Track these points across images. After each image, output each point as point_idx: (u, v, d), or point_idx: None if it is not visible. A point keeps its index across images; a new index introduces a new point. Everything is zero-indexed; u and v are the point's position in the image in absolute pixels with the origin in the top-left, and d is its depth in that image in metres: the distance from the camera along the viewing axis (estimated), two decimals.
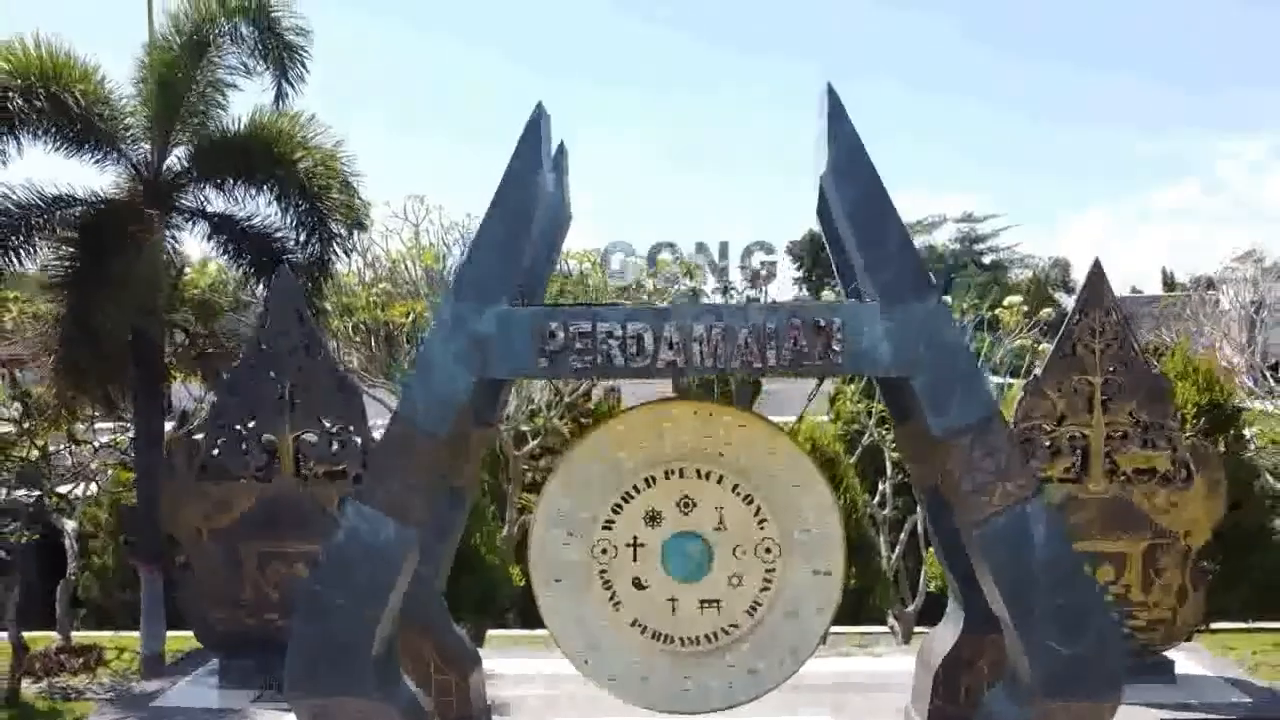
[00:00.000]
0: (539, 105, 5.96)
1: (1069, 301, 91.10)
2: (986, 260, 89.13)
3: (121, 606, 17.11)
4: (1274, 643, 14.14)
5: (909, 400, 6.04)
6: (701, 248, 6.19)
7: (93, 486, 15.21)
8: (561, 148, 7.01)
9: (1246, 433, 13.11)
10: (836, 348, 5.72)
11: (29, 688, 12.57)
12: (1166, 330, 19.71)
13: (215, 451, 8.89)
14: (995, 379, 17.89)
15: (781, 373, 5.88)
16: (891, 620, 15.02)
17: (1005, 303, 15.96)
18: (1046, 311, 16.50)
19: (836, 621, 13.12)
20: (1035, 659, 5.88)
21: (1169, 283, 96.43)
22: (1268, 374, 17.33)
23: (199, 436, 16.38)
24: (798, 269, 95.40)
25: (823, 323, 5.75)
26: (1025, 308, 16.47)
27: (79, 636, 14.84)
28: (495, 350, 5.90)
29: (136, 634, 15.02)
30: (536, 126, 5.90)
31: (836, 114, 5.74)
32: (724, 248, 6.19)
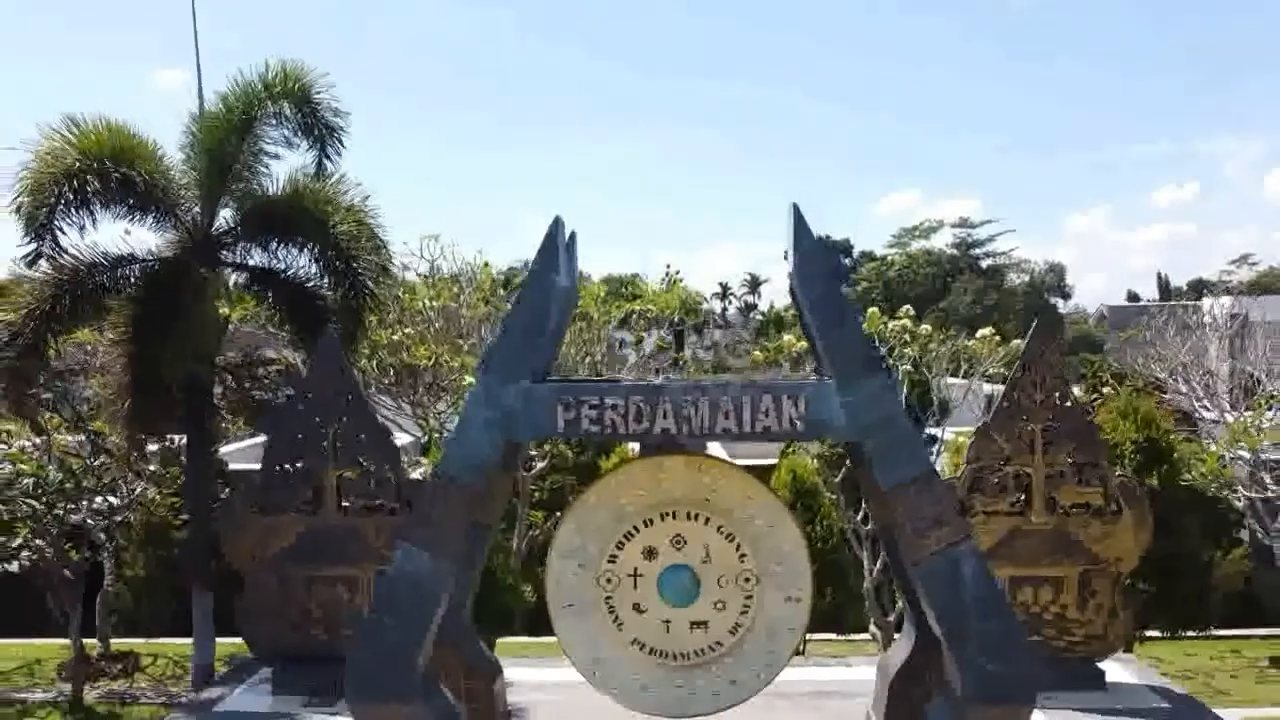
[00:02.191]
0: (556, 218, 7.23)
1: (1063, 305, 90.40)
2: (984, 265, 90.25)
3: (150, 614, 18.36)
4: (1232, 649, 15.41)
5: (863, 459, 7.29)
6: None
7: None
8: (573, 236, 8.26)
9: (1220, 449, 14.30)
10: (800, 420, 6.96)
11: (57, 695, 13.76)
12: (1133, 354, 20.86)
13: (268, 488, 10.12)
14: (989, 387, 19.21)
15: (757, 439, 7.11)
16: (873, 629, 16.28)
17: (978, 335, 17.26)
18: (1017, 343, 17.74)
19: (821, 632, 14.35)
20: (966, 673, 7.11)
21: (1164, 287, 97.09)
22: (1224, 397, 18.51)
23: (222, 452, 17.67)
24: None
25: (790, 397, 7.00)
26: (997, 338, 17.78)
27: (115, 643, 16.06)
28: (520, 418, 7.14)
29: (168, 641, 16.28)
30: (554, 237, 7.16)
31: (800, 229, 6.99)
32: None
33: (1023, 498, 9.89)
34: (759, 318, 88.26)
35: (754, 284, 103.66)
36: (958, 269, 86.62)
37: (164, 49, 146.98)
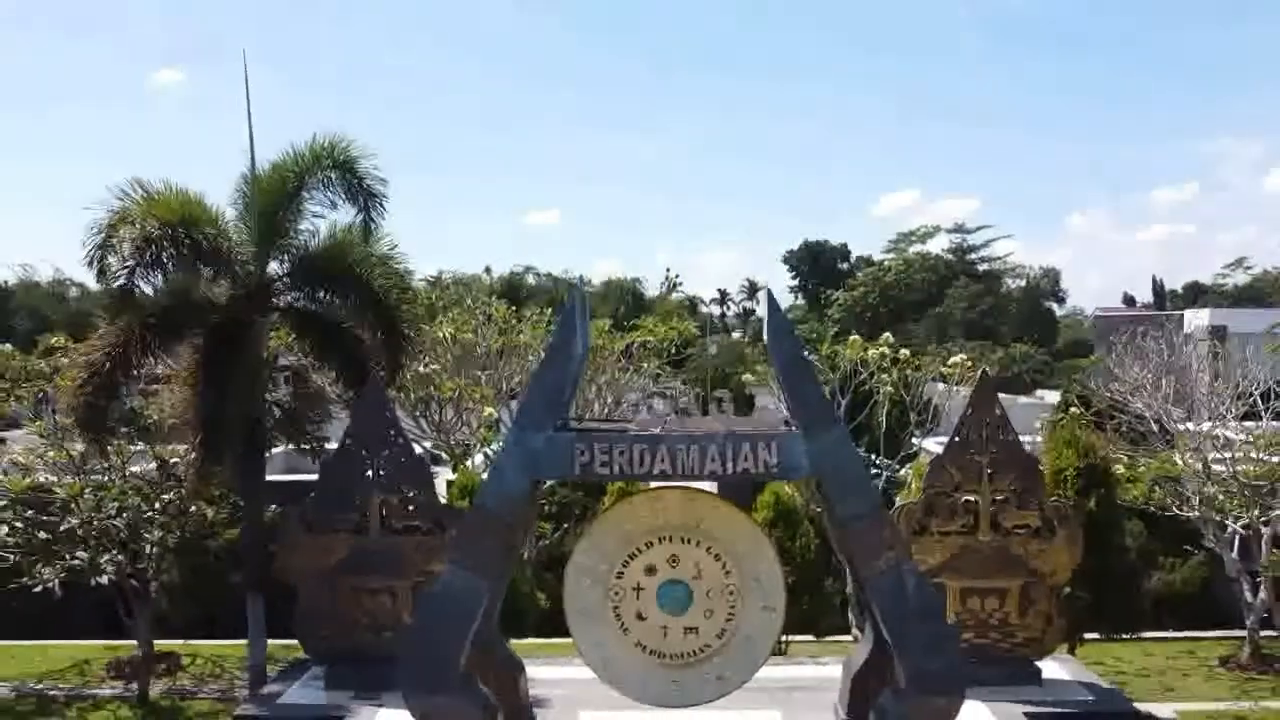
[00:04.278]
0: (573, 291, 8.83)
1: (1059, 309, 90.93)
2: (980, 269, 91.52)
3: (185, 616, 19.84)
4: (1188, 650, 16.83)
5: (823, 494, 8.88)
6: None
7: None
8: (585, 298, 9.86)
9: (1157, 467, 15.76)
10: (773, 464, 8.55)
11: (123, 690, 15.21)
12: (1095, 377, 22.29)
13: (320, 510, 11.70)
14: None
15: (738, 479, 8.70)
16: (855, 631, 17.84)
17: (950, 361, 18.85)
18: (987, 368, 19.33)
19: (799, 634, 15.84)
20: (908, 670, 8.70)
21: (1159, 291, 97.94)
22: (1174, 417, 19.85)
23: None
24: (793, 277, 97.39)
25: (764, 444, 8.58)
26: (970, 362, 19.38)
27: (155, 645, 17.50)
28: (544, 460, 8.75)
29: (201, 643, 17.75)
30: (572, 310, 8.76)
31: (773, 310, 8.62)
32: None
33: (972, 520, 11.45)
34: (757, 322, 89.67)
35: (752, 289, 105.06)
36: (954, 274, 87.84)
37: (162, 49, 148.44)
